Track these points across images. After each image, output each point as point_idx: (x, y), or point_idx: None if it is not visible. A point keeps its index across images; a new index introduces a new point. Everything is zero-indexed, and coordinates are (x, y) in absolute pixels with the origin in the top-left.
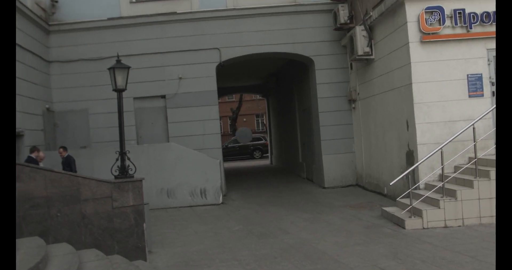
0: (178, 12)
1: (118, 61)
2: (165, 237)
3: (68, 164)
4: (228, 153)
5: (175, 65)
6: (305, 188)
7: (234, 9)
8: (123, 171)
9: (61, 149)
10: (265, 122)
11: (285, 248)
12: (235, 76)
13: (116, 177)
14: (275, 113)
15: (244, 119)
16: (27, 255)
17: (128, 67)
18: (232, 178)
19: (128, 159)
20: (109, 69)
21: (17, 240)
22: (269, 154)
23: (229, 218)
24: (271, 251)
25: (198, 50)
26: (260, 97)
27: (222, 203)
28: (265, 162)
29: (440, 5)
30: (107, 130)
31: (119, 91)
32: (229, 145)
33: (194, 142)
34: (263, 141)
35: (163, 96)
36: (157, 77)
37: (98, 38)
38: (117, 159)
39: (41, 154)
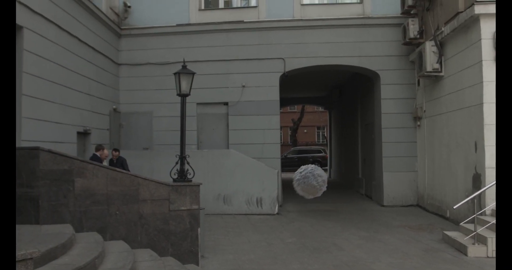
0: (245, 20)
1: (184, 67)
2: (218, 243)
3: (121, 164)
4: (287, 164)
5: (239, 73)
6: (363, 205)
7: (300, 20)
8: (182, 175)
9: (115, 151)
10: (325, 135)
11: (338, 265)
12: (298, 86)
13: (174, 180)
14: (336, 126)
15: (305, 131)
16: (85, 250)
17: (193, 73)
18: (289, 189)
19: (188, 163)
20: (174, 74)
21: (76, 234)
22: (328, 168)
23: (283, 229)
24: (323, 267)
25: (263, 59)
26: (323, 110)
27: (277, 213)
28: None
29: None
30: (169, 133)
31: (183, 96)
32: (288, 156)
33: (253, 150)
34: (322, 154)
35: (226, 103)
36: (220, 84)
37: (166, 43)
38: (176, 163)
39: (105, 152)
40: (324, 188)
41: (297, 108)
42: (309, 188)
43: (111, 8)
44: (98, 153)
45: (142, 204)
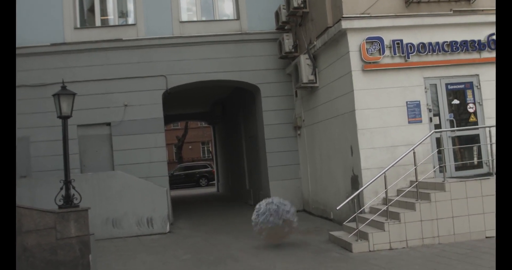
0: (124, 39)
1: (63, 87)
2: (111, 268)
3: None
4: (174, 181)
5: (120, 92)
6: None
7: (180, 37)
8: (68, 201)
9: None
10: (211, 150)
11: None
12: (181, 103)
13: (60, 206)
14: (221, 140)
15: (190, 147)
16: None
17: (74, 94)
18: (178, 206)
19: (73, 188)
20: (53, 95)
21: None
22: (215, 182)
23: (177, 247)
24: None
25: (144, 77)
26: (206, 125)
27: (169, 232)
28: (212, 189)
29: (380, 35)
30: (50, 158)
31: (65, 118)
32: (175, 173)
33: (140, 170)
34: (209, 169)
35: (108, 124)
36: (102, 104)
37: (41, 63)
38: (61, 188)
39: None
40: (295, 223)
41: (180, 124)
42: (276, 231)
43: None
44: None
45: (26, 236)
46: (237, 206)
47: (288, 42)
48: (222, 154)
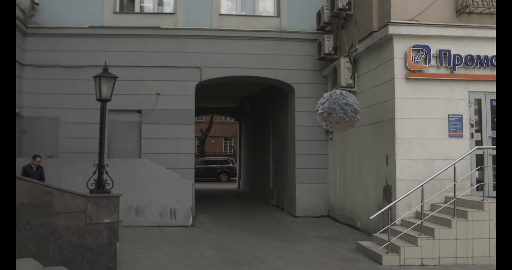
0: (162, 27)
1: (105, 70)
2: (134, 258)
3: (40, 174)
4: (195, 174)
5: (154, 80)
6: (275, 216)
7: (218, 29)
8: (100, 186)
9: (40, 159)
10: (233, 146)
11: None
12: (209, 97)
13: (91, 191)
14: (247, 137)
15: (212, 141)
16: None
17: (115, 77)
18: (200, 200)
19: (106, 173)
20: (94, 77)
21: None
22: (237, 178)
23: (199, 241)
24: None
25: (179, 67)
26: (232, 121)
27: (191, 225)
28: (232, 186)
29: (427, 44)
30: (77, 140)
31: (104, 101)
32: (196, 166)
33: (167, 160)
34: (230, 165)
35: (139, 111)
36: (134, 91)
37: (77, 45)
38: (94, 172)
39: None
40: (357, 119)
41: (204, 118)
42: (336, 122)
43: (16, 4)
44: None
45: (56, 217)
46: (259, 205)
47: (328, 44)
48: (246, 151)
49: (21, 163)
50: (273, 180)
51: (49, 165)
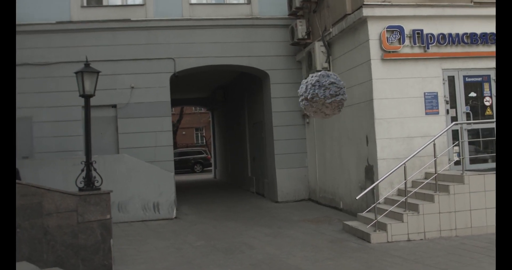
0: (132, 19)
1: (87, 65)
2: (124, 254)
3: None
4: None
5: (127, 73)
6: (257, 202)
7: (190, 19)
8: (89, 183)
9: None
10: (205, 136)
11: (255, 264)
12: (180, 88)
13: (81, 189)
14: (221, 126)
15: (183, 132)
16: None
17: (98, 72)
18: (179, 192)
19: (95, 170)
20: (76, 73)
21: None
22: (212, 168)
23: (187, 233)
24: (242, 267)
25: (152, 59)
26: (203, 111)
27: (175, 217)
28: (208, 176)
29: (401, 24)
30: (53, 139)
31: (87, 97)
32: None
33: (145, 154)
34: (204, 155)
35: (114, 106)
36: (108, 85)
37: (46, 42)
38: (82, 170)
39: None
40: (344, 97)
41: (174, 110)
42: (322, 106)
43: None
44: None
45: (47, 218)
46: (239, 193)
47: (301, 29)
48: (221, 140)
49: None
50: (251, 168)
51: (25, 166)
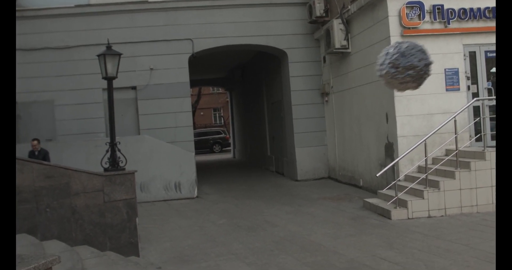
0: (149, 1)
1: (109, 48)
2: (149, 233)
3: (43, 157)
4: None
5: (146, 55)
6: (277, 181)
7: None
8: (114, 163)
9: (36, 142)
10: (223, 116)
11: (278, 241)
12: (198, 69)
13: (106, 169)
14: (239, 106)
15: (202, 113)
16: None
17: (120, 54)
18: (199, 172)
19: (119, 150)
20: (98, 55)
21: None
22: (231, 148)
23: (209, 212)
24: (265, 244)
25: (171, 40)
26: (220, 91)
27: (197, 197)
28: (227, 156)
29: (420, 0)
30: (74, 122)
31: (110, 79)
32: None
33: (166, 135)
34: (222, 135)
35: (134, 88)
36: (127, 67)
37: (65, 26)
38: (107, 151)
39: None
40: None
41: (192, 91)
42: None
43: None
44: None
45: (75, 198)
46: (259, 172)
47: (319, 6)
48: (239, 120)
49: (20, 149)
50: (271, 147)
51: (49, 148)
